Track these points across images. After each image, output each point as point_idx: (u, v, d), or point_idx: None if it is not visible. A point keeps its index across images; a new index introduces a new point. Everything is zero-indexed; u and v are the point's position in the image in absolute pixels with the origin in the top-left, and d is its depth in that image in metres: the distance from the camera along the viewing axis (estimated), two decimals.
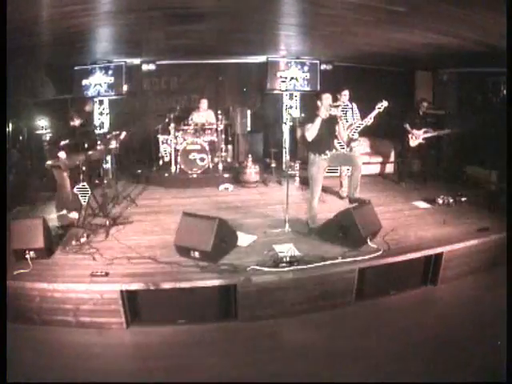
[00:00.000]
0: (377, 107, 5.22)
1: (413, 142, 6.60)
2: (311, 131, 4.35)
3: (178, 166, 7.09)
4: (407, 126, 6.60)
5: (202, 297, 3.52)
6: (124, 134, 5.86)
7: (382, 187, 6.68)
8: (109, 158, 6.85)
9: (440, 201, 5.61)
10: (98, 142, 5.31)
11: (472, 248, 4.21)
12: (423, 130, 6.53)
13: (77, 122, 5.37)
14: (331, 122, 4.55)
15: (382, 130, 6.22)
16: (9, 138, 6.26)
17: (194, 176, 7.00)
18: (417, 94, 8.16)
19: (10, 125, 6.34)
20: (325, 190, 5.69)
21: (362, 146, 6.52)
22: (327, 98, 4.41)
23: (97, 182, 5.79)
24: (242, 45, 6.46)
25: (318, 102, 4.43)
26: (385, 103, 5.19)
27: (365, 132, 5.82)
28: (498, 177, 6.14)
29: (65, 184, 5.02)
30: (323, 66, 7.79)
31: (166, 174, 7.10)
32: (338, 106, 4.44)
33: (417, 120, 6.59)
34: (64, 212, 5.05)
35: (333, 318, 3.59)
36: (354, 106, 5.76)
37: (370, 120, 5.41)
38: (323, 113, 4.34)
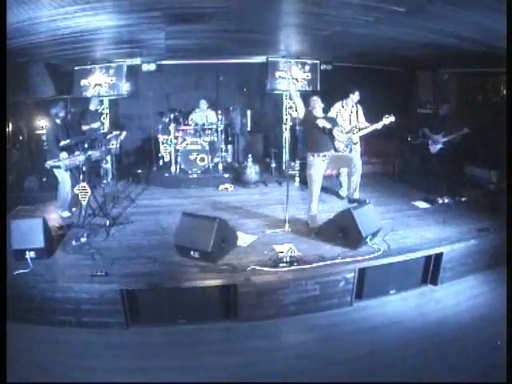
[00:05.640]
0: (384, 119, 5.20)
1: (434, 149, 6.14)
2: (298, 109, 4.63)
3: (178, 166, 7.10)
4: (427, 131, 6.12)
5: (202, 297, 3.52)
6: (124, 134, 5.87)
7: (382, 187, 6.67)
8: (109, 158, 6.84)
9: (440, 201, 5.61)
10: (98, 142, 5.31)
11: (472, 248, 4.21)
12: (442, 133, 6.04)
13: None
14: (330, 123, 4.57)
15: (383, 129, 6.15)
16: (9, 138, 6.26)
17: (194, 176, 7.00)
18: (417, 93, 8.16)
19: (10, 125, 6.33)
20: (325, 190, 5.69)
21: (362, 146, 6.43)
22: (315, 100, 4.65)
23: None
24: (242, 45, 6.45)
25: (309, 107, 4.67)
26: (392, 118, 5.15)
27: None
28: (498, 177, 6.13)
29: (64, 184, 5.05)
30: (323, 66, 7.78)
31: (166, 174, 7.10)
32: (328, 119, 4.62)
33: (436, 123, 6.13)
34: (62, 213, 5.07)
35: (333, 317, 3.60)
36: (360, 107, 5.75)
37: (374, 127, 5.40)
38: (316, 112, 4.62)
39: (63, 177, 5.02)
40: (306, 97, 4.80)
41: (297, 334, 3.40)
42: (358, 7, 3.93)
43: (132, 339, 3.33)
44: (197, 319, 3.50)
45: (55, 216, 5.06)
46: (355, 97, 5.69)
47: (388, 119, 5.18)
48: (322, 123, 4.49)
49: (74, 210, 5.19)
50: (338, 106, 5.76)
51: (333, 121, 4.80)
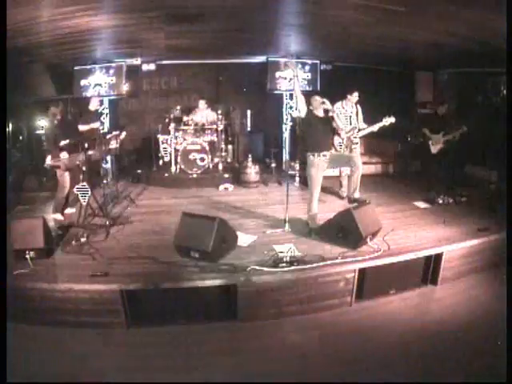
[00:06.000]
0: (384, 120, 5.20)
1: (434, 149, 6.17)
2: (300, 106, 4.55)
3: (178, 166, 7.10)
4: (426, 132, 6.17)
5: (202, 297, 3.52)
6: (124, 134, 5.87)
7: (382, 187, 6.67)
8: (109, 158, 6.85)
9: (440, 201, 5.61)
10: (98, 142, 5.31)
11: (472, 248, 4.21)
12: (442, 132, 6.07)
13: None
14: (328, 122, 4.58)
15: (383, 129, 6.14)
16: (9, 138, 6.25)
17: (194, 176, 7.00)
18: (417, 94, 8.17)
19: (10, 125, 6.33)
20: (325, 190, 5.69)
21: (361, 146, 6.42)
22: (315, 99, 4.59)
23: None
24: (241, 45, 6.46)
25: (310, 107, 4.60)
26: (392, 119, 5.16)
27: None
28: (497, 177, 6.13)
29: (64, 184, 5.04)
30: (323, 66, 7.78)
31: (166, 174, 7.10)
32: (324, 103, 4.51)
33: (436, 123, 6.17)
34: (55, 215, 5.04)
35: (333, 317, 3.59)
36: (359, 108, 5.75)
37: (373, 129, 5.40)
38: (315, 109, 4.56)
39: (63, 179, 5.01)
40: (307, 96, 4.79)
41: (297, 333, 3.40)
42: (357, 7, 3.94)
43: (132, 339, 3.33)
44: (197, 319, 3.49)
45: (54, 216, 5.05)
46: (353, 97, 5.69)
47: (388, 121, 5.18)
48: (325, 106, 4.48)
49: (68, 212, 5.19)
50: (337, 107, 5.75)
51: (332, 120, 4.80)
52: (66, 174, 4.98)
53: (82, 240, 4.19)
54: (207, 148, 7.02)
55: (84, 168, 4.71)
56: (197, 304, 3.53)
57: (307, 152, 4.66)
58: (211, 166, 7.13)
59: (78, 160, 4.79)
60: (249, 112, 8.09)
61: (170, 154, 7.20)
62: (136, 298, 3.43)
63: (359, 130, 5.60)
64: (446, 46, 5.43)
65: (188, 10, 4.18)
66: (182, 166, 7.04)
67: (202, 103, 7.51)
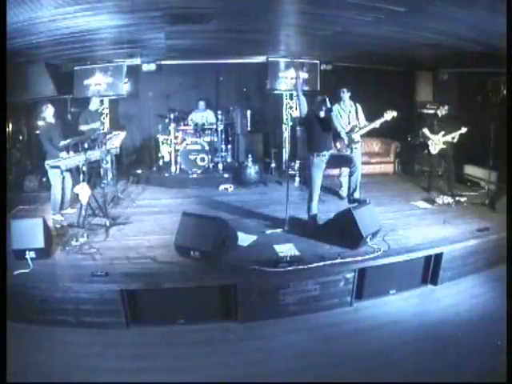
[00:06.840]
0: (385, 115, 5.18)
1: (434, 149, 6.16)
2: (301, 107, 4.60)
3: (178, 166, 7.10)
4: (426, 132, 6.16)
5: (202, 297, 3.52)
6: (124, 134, 5.87)
7: (382, 187, 6.67)
8: (109, 158, 6.84)
9: (440, 201, 5.61)
10: (98, 142, 5.31)
11: (472, 248, 4.22)
12: (441, 133, 6.03)
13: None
14: (328, 122, 4.57)
15: (383, 129, 6.13)
16: (9, 138, 6.26)
17: (194, 176, 7.00)
18: (417, 94, 8.16)
19: (10, 125, 6.33)
20: (325, 190, 5.69)
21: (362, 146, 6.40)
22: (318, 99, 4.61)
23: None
24: (242, 45, 6.46)
25: (312, 107, 4.61)
26: (394, 113, 5.14)
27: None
28: (498, 177, 6.13)
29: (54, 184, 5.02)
30: (323, 66, 7.79)
31: (166, 174, 7.10)
32: (324, 100, 4.53)
33: (436, 124, 6.13)
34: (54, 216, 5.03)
35: (333, 317, 3.60)
36: (359, 107, 5.75)
37: (375, 125, 5.39)
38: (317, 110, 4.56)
39: (55, 180, 4.98)
40: (308, 97, 4.78)
41: (297, 334, 3.40)
42: (357, 7, 3.93)
43: (132, 339, 3.33)
44: (197, 319, 3.49)
45: (53, 217, 5.05)
46: (344, 95, 5.70)
47: (389, 114, 5.16)
48: (326, 105, 4.49)
49: (67, 211, 5.19)
50: (335, 108, 5.74)
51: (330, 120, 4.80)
52: (58, 175, 4.95)
53: (82, 240, 4.20)
54: (207, 148, 7.02)
55: (84, 168, 4.71)
56: (197, 304, 3.52)
57: (307, 152, 4.66)
58: (211, 166, 7.13)
59: (78, 160, 4.79)
60: (249, 112, 8.07)
61: (170, 154, 7.20)
62: (136, 298, 3.44)
63: (360, 128, 5.59)
64: (446, 46, 5.42)
65: (188, 9, 4.17)
66: (182, 166, 7.05)
67: (201, 104, 7.55)
